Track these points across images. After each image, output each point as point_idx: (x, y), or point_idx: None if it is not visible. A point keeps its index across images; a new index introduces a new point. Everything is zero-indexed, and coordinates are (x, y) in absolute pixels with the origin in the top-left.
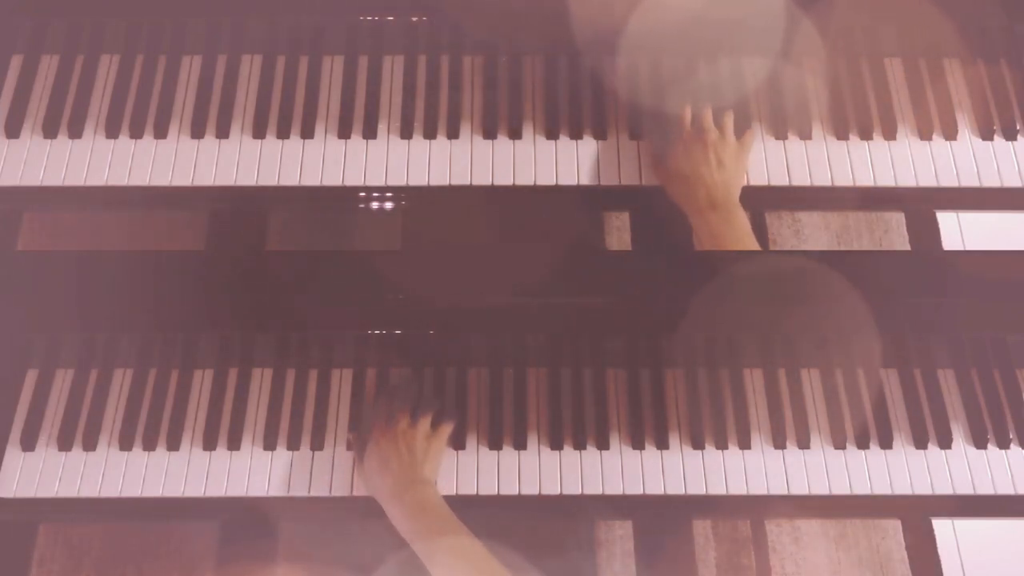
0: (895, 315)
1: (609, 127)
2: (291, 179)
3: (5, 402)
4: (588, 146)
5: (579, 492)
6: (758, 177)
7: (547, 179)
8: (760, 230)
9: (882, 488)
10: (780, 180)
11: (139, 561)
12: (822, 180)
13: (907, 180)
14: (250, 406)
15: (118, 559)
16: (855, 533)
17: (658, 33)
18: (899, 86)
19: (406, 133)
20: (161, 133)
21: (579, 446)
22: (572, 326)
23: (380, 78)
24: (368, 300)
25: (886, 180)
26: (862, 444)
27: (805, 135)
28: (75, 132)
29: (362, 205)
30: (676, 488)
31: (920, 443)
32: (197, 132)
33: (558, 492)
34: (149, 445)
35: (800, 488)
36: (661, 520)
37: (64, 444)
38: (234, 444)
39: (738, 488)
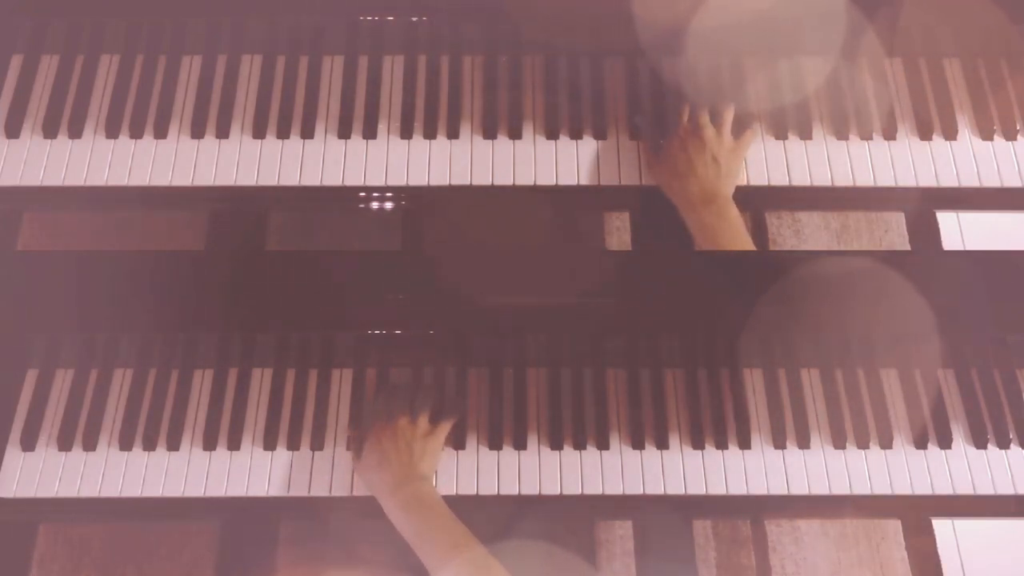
0: (894, 315)
1: (609, 127)
2: (291, 179)
3: (5, 402)
4: (588, 146)
5: (579, 492)
6: (758, 177)
7: (547, 179)
8: (760, 230)
9: (882, 488)
10: (780, 180)
11: (139, 561)
12: (822, 180)
13: (907, 180)
14: (250, 406)
15: (118, 559)
16: (855, 533)
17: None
18: (900, 86)
19: (406, 133)
20: (161, 133)
21: (579, 446)
22: (572, 326)
23: (380, 78)
24: (368, 300)
25: (886, 180)
26: (862, 444)
27: (805, 135)
28: (75, 132)
29: (362, 205)
30: (676, 488)
31: (920, 443)
32: (197, 132)
33: (558, 492)
34: (149, 445)
35: (800, 488)
36: (661, 520)
37: (64, 444)
38: (234, 444)
39: (738, 488)
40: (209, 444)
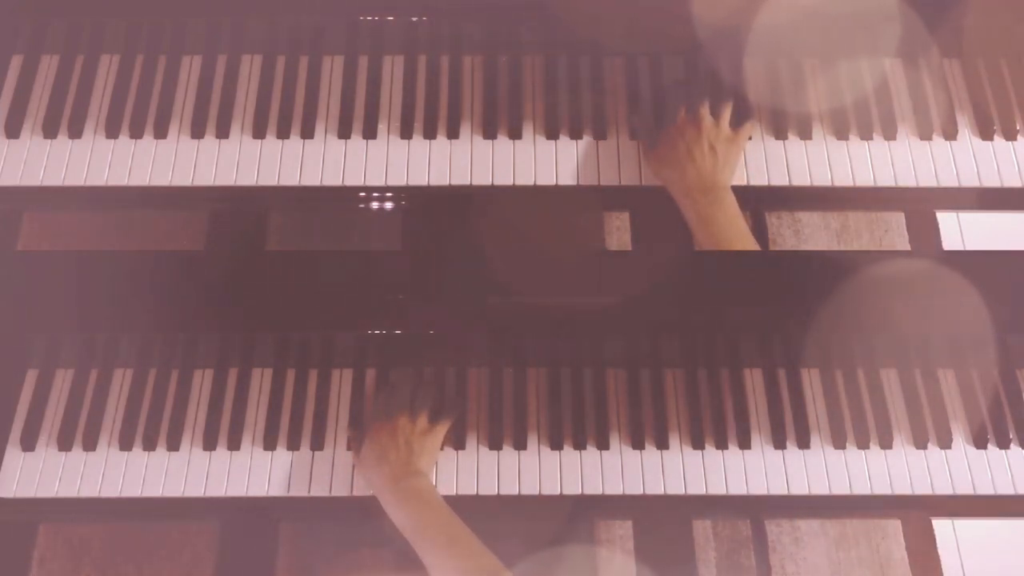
0: (895, 315)
1: (609, 127)
2: (291, 179)
3: (5, 402)
4: (588, 146)
5: (579, 492)
6: (758, 177)
7: (547, 179)
8: (760, 230)
9: (882, 488)
10: (780, 180)
11: (139, 561)
12: (822, 180)
13: (907, 180)
14: (250, 406)
15: (118, 559)
16: (855, 533)
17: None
18: (899, 86)
19: (406, 133)
20: (161, 133)
21: (579, 446)
22: (572, 326)
23: (380, 78)
24: (368, 300)
25: (886, 180)
26: (862, 444)
27: (805, 135)
28: (75, 132)
29: (362, 205)
30: (676, 488)
31: (920, 443)
32: (197, 132)
33: (558, 492)
34: (149, 445)
35: (800, 488)
36: (661, 520)
37: (64, 444)
38: (234, 444)
39: (738, 488)
40: (209, 444)
